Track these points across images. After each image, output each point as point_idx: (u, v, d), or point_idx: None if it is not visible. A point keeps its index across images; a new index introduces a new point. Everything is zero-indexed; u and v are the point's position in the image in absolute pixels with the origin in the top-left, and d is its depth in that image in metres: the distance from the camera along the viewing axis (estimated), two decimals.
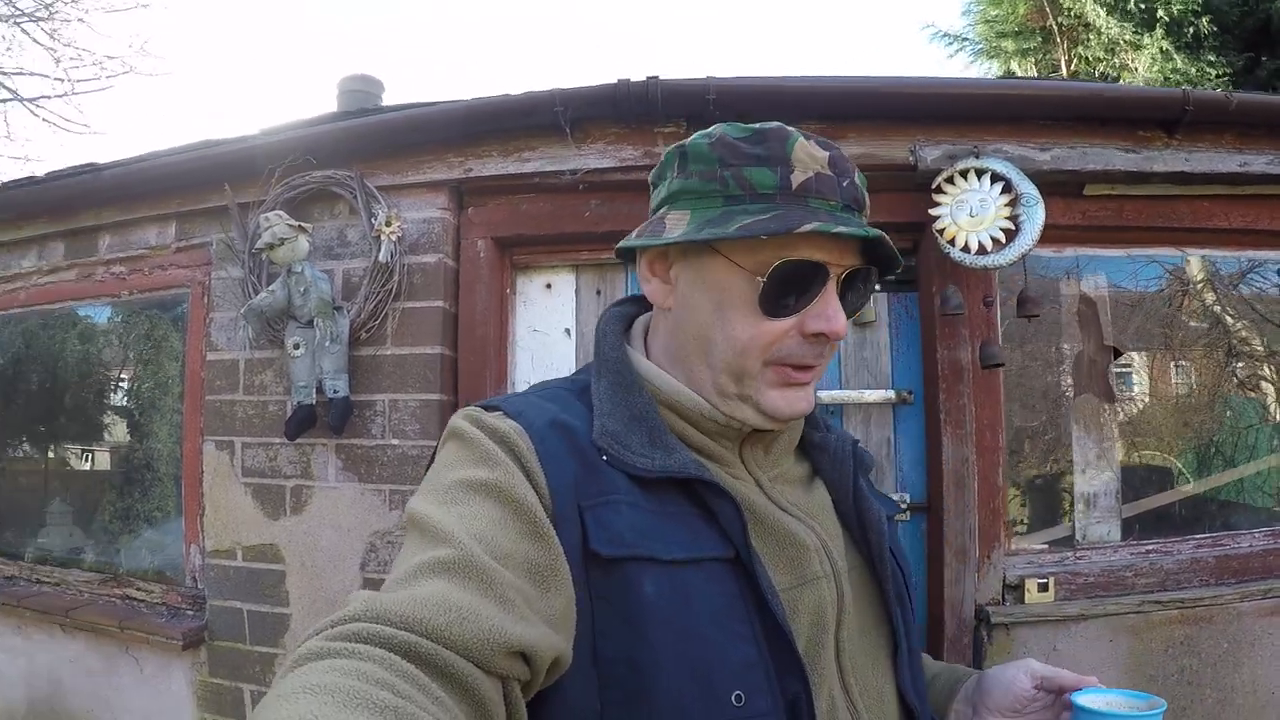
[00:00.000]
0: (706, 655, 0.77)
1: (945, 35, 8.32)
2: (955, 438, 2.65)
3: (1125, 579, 2.72)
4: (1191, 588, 2.73)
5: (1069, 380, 2.85)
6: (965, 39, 8.26)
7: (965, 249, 2.56)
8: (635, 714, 0.76)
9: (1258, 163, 2.82)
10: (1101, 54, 6.58)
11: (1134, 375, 3.07)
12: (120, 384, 3.37)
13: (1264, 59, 5.76)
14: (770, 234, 0.81)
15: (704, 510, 0.83)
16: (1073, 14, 6.79)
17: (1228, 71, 5.53)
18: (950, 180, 2.62)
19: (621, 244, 0.97)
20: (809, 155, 0.87)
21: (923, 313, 2.76)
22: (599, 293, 2.85)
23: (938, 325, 2.68)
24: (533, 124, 2.71)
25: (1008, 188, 2.60)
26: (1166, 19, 6.08)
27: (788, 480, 0.97)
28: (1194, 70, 6.09)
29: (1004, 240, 2.56)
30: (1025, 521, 2.87)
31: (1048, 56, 7.39)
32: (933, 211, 2.60)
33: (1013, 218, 2.57)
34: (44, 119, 11.70)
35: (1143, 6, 6.27)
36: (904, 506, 2.69)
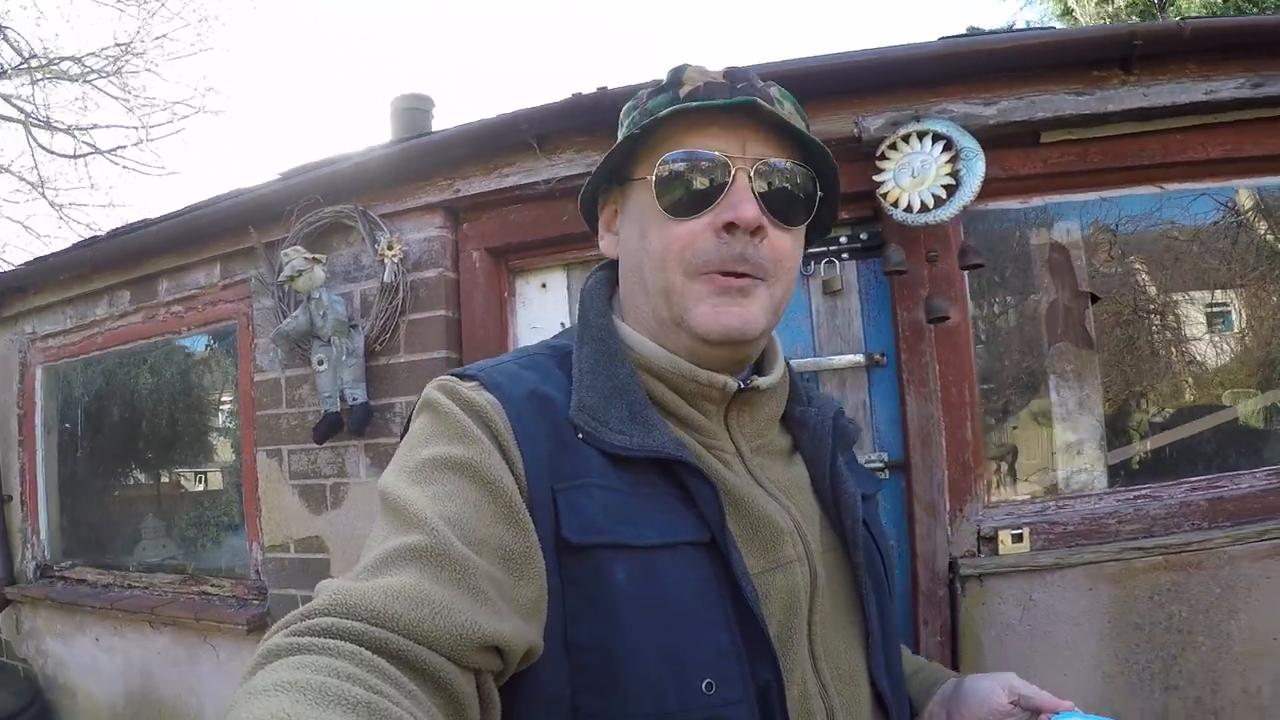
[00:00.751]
0: (678, 642, 0.77)
1: None
2: (919, 396, 2.77)
3: (1108, 526, 2.75)
4: (1180, 533, 2.77)
5: (1045, 328, 2.94)
6: None
7: (908, 209, 2.72)
8: (607, 700, 0.76)
9: (1226, 88, 2.79)
10: None
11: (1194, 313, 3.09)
12: (193, 408, 3.93)
13: None
14: (641, 127, 0.88)
15: (681, 491, 0.83)
16: None
17: None
18: (894, 146, 2.78)
19: (580, 205, 1.08)
20: (699, 73, 0.92)
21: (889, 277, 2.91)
22: None
23: (893, 287, 2.83)
24: (505, 144, 3.02)
25: (949, 145, 2.73)
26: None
27: (770, 452, 0.97)
28: None
29: (945, 196, 2.70)
30: (1006, 474, 2.96)
31: None
32: (876, 178, 2.75)
33: (954, 173, 2.71)
34: (124, 166, 12.88)
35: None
36: (883, 464, 2.85)
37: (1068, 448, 2.91)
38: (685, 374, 0.89)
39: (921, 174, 2.72)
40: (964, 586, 2.77)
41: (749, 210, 0.84)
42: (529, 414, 0.82)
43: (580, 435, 0.83)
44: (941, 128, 2.74)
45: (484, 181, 3.08)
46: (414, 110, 4.48)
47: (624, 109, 1.01)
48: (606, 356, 0.90)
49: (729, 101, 0.85)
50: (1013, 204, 2.92)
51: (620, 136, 0.95)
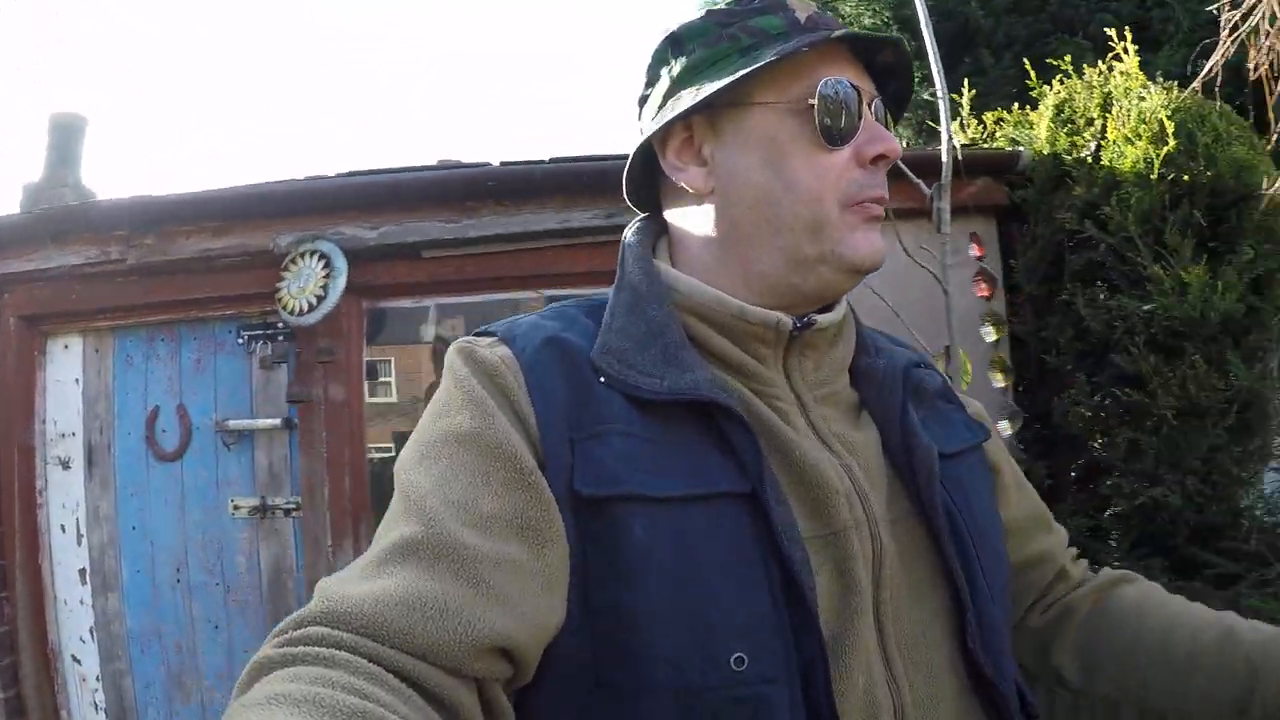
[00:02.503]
0: (705, 607, 0.71)
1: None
2: (307, 454, 3.60)
3: None
4: None
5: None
6: None
7: (293, 311, 3.57)
8: (629, 671, 0.71)
9: (580, 218, 3.59)
10: None
11: None
12: None
13: (965, 60, 6.14)
14: (812, 45, 0.81)
15: (721, 439, 0.77)
16: None
17: (925, 73, 5.82)
18: (294, 260, 3.63)
19: (643, 138, 0.91)
20: (800, 1, 0.88)
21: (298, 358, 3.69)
22: (96, 350, 4.02)
23: (296, 369, 3.64)
24: (30, 235, 3.93)
25: (328, 263, 3.58)
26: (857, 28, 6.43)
27: (838, 404, 0.89)
28: None
29: (316, 304, 3.55)
30: None
31: None
32: (278, 285, 3.57)
33: (325, 286, 3.56)
34: None
35: (842, 17, 6.65)
36: (296, 506, 3.72)
37: None
38: (734, 312, 0.83)
39: (305, 285, 3.57)
40: None
41: (895, 144, 0.84)
42: (544, 362, 0.79)
43: (602, 379, 0.79)
44: (324, 248, 3.58)
45: (17, 264, 3.98)
46: (67, 128, 4.60)
47: (685, 24, 0.90)
48: (643, 299, 0.85)
49: (888, 36, 0.86)
50: (406, 303, 3.77)
51: (687, 50, 0.88)
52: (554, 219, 3.59)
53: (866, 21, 6.41)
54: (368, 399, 4.15)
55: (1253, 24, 3.15)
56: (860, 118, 0.84)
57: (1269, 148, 3.26)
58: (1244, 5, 3.13)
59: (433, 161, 3.82)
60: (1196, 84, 3.30)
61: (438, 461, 0.74)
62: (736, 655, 0.70)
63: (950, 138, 3.11)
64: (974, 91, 4.20)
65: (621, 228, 3.26)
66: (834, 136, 0.83)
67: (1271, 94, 3.20)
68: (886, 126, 0.88)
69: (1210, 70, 3.24)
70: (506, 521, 0.71)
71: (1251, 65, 3.22)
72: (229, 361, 3.82)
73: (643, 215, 1.00)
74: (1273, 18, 3.17)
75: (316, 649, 0.60)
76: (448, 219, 3.60)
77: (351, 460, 3.64)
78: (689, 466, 0.76)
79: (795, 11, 0.86)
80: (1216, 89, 3.42)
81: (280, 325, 3.74)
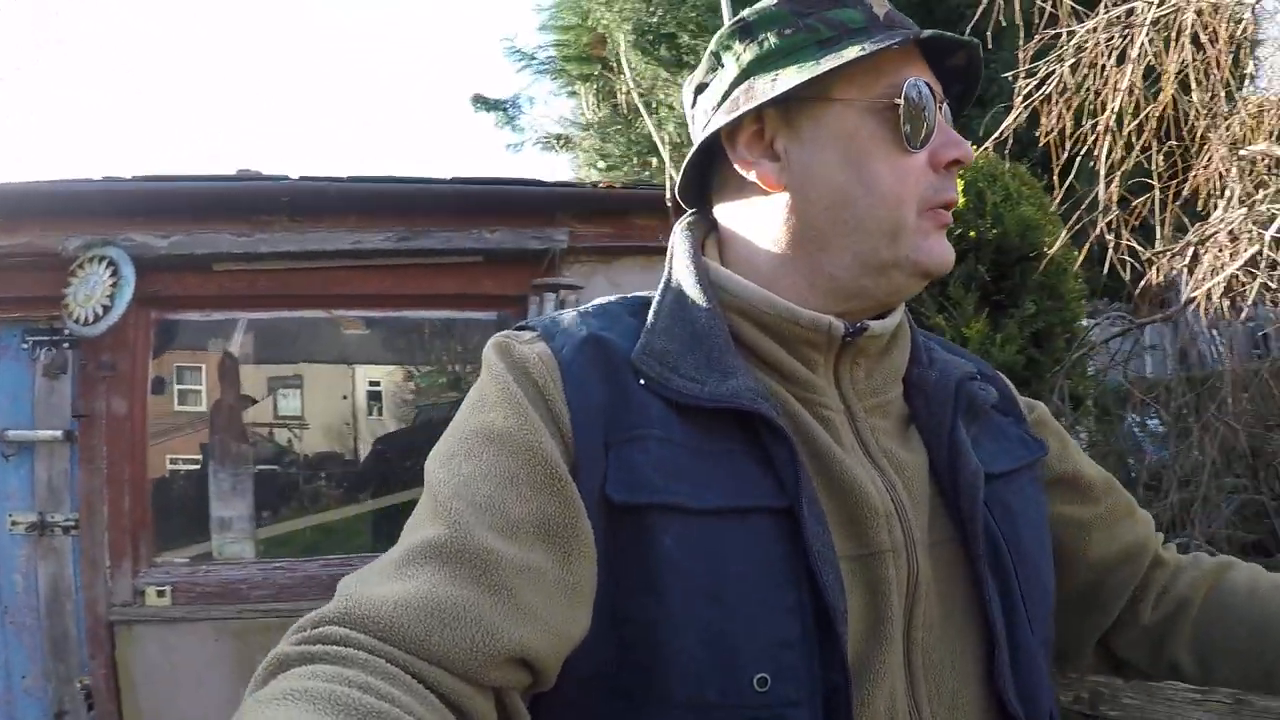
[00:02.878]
0: (732, 625, 0.70)
1: (517, 51, 8.99)
2: (88, 470, 3.52)
3: (240, 590, 3.58)
4: (306, 600, 3.56)
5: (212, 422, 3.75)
6: (534, 58, 8.96)
7: (79, 320, 3.50)
8: (648, 681, 0.71)
9: (375, 240, 3.57)
10: (647, 87, 7.21)
11: None
12: None
13: None
14: (901, 44, 0.80)
15: (762, 451, 0.76)
16: (617, 53, 7.44)
17: None
18: (82, 265, 3.56)
19: (714, 127, 0.86)
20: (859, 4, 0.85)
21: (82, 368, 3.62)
22: None
23: (80, 381, 3.57)
24: None
25: (115, 271, 3.52)
26: (693, 64, 6.63)
27: (887, 415, 0.87)
28: None
29: (102, 314, 3.49)
30: (172, 539, 3.77)
31: (608, 84, 7.98)
32: (64, 291, 3.50)
33: (111, 295, 3.50)
34: None
35: (672, 53, 6.85)
36: (74, 524, 3.65)
37: (221, 523, 3.73)
38: (784, 314, 0.81)
39: (91, 293, 3.50)
40: (115, 628, 3.56)
41: (969, 149, 0.83)
42: (583, 360, 0.78)
43: (642, 381, 0.77)
44: (113, 255, 3.51)
45: None
46: None
47: (759, 10, 0.88)
48: (689, 299, 0.83)
49: (968, 39, 0.85)
50: (196, 316, 3.72)
51: (760, 39, 0.85)
52: (347, 239, 3.57)
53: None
54: (176, 406, 4.12)
55: (1045, 92, 3.27)
56: (934, 123, 0.83)
57: (1055, 209, 3.37)
58: (1038, 74, 3.25)
59: (232, 172, 3.78)
60: (989, 145, 3.42)
61: (468, 459, 0.73)
62: (760, 676, 0.70)
63: None
64: None
65: (417, 251, 3.26)
66: (915, 139, 0.82)
67: (1057, 159, 3.32)
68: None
69: (1001, 133, 3.35)
70: (534, 527, 0.69)
71: (1041, 132, 3.33)
72: (11, 367, 3.68)
73: (691, 211, 0.95)
74: (1063, 89, 3.28)
75: (335, 648, 0.59)
76: (239, 232, 3.56)
77: (133, 477, 3.58)
78: (726, 477, 0.75)
79: (873, 6, 0.85)
80: (1008, 150, 3.54)
81: (66, 333, 3.65)
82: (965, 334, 3.38)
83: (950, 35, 0.83)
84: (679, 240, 0.90)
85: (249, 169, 3.78)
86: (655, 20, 6.93)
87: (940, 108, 0.83)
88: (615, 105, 8.11)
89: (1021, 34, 3.47)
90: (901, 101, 0.80)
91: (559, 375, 0.76)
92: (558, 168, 9.03)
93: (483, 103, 9.15)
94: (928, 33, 0.82)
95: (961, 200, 3.49)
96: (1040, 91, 3.36)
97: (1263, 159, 3.49)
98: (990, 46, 6.12)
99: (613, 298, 0.90)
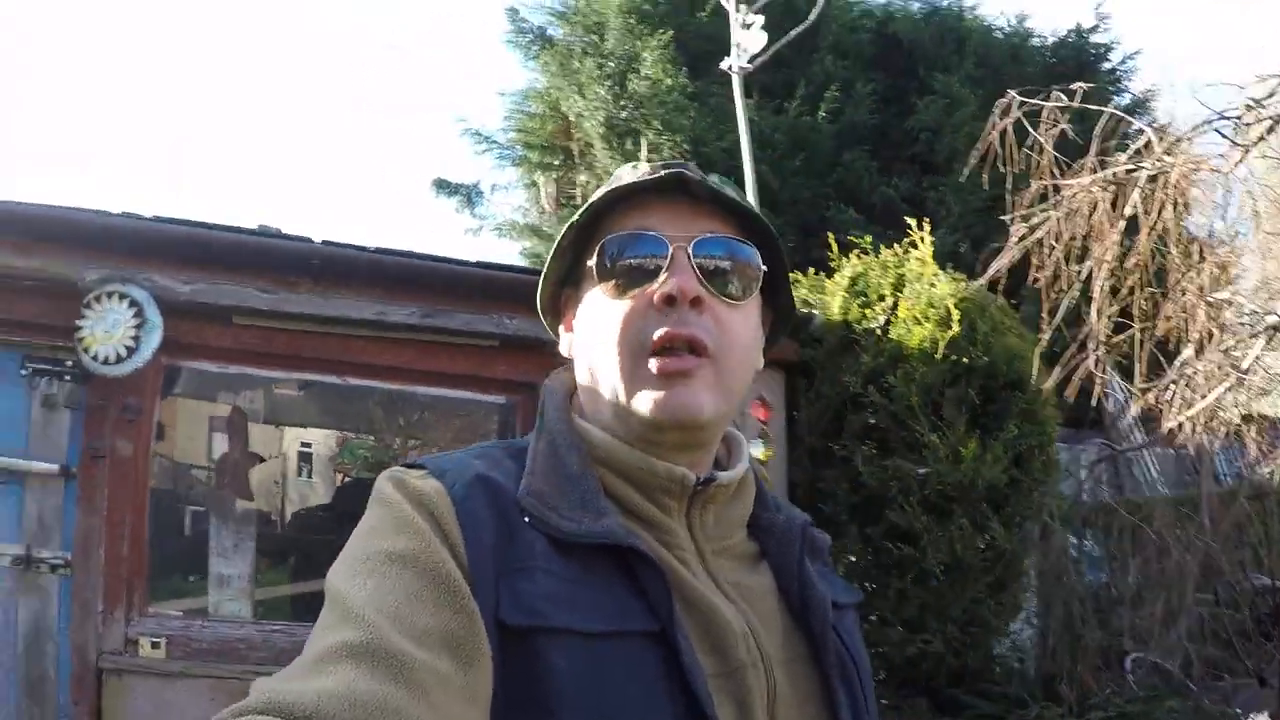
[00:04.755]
0: None
1: (478, 134, 9.12)
2: (86, 509, 3.48)
3: (238, 650, 3.59)
4: None
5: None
6: (495, 142, 9.15)
7: (99, 359, 3.44)
8: None
9: (398, 313, 3.62)
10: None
11: None
12: None
13: None
14: (582, 215, 0.92)
15: (633, 581, 0.83)
16: (583, 141, 7.75)
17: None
18: (99, 299, 3.56)
19: (540, 308, 1.03)
20: (633, 166, 0.95)
21: (88, 404, 3.61)
22: None
23: (86, 418, 3.54)
24: None
25: (140, 312, 3.57)
26: (655, 159, 7.02)
27: (734, 556, 0.96)
28: None
29: (126, 355, 3.54)
30: (165, 589, 3.81)
31: (569, 174, 8.33)
32: (79, 323, 3.44)
33: (136, 337, 3.54)
34: None
35: (637, 149, 7.20)
36: (64, 562, 3.67)
37: (220, 580, 3.80)
38: (641, 465, 0.89)
39: (112, 331, 3.54)
40: (104, 677, 3.50)
41: (686, 281, 0.87)
42: (474, 497, 0.84)
43: (527, 519, 0.84)
44: (137, 295, 3.52)
45: None
46: None
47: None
48: (561, 449, 0.91)
49: (652, 178, 0.91)
50: (211, 367, 3.78)
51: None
52: (370, 309, 3.64)
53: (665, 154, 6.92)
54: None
55: (1037, 237, 3.61)
56: (662, 264, 0.88)
57: (1040, 347, 3.71)
58: (1032, 221, 3.59)
59: (252, 225, 3.84)
60: (984, 279, 3.75)
61: (371, 577, 0.76)
62: None
63: None
64: None
65: (439, 329, 3.37)
66: (618, 288, 0.89)
67: (1048, 299, 3.67)
68: (736, 260, 0.92)
69: (996, 271, 3.69)
70: (439, 638, 0.73)
71: (1033, 278, 3.68)
72: (7, 392, 3.61)
73: (566, 366, 1.03)
74: (1057, 235, 3.64)
75: None
76: (264, 288, 3.62)
77: (133, 522, 3.57)
78: (606, 605, 0.80)
79: (620, 181, 0.94)
80: (1000, 285, 3.90)
81: (70, 364, 3.64)
82: (961, 453, 3.70)
83: (637, 183, 0.91)
84: (549, 394, 0.98)
85: (267, 225, 3.86)
86: (625, 115, 7.17)
87: (679, 250, 0.89)
88: (572, 198, 8.36)
89: (1010, 180, 3.84)
90: (594, 259, 0.91)
91: (452, 510, 0.81)
92: (512, 256, 9.25)
93: (444, 187, 9.28)
94: (602, 192, 0.93)
95: (955, 328, 3.82)
96: (1032, 236, 3.71)
97: (1227, 305, 3.90)
98: (939, 173, 6.55)
99: (489, 442, 1.02)
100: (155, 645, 3.56)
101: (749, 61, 3.58)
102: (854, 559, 3.92)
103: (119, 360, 3.45)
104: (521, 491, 0.86)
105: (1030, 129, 3.78)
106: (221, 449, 3.81)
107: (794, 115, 6.69)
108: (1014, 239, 3.65)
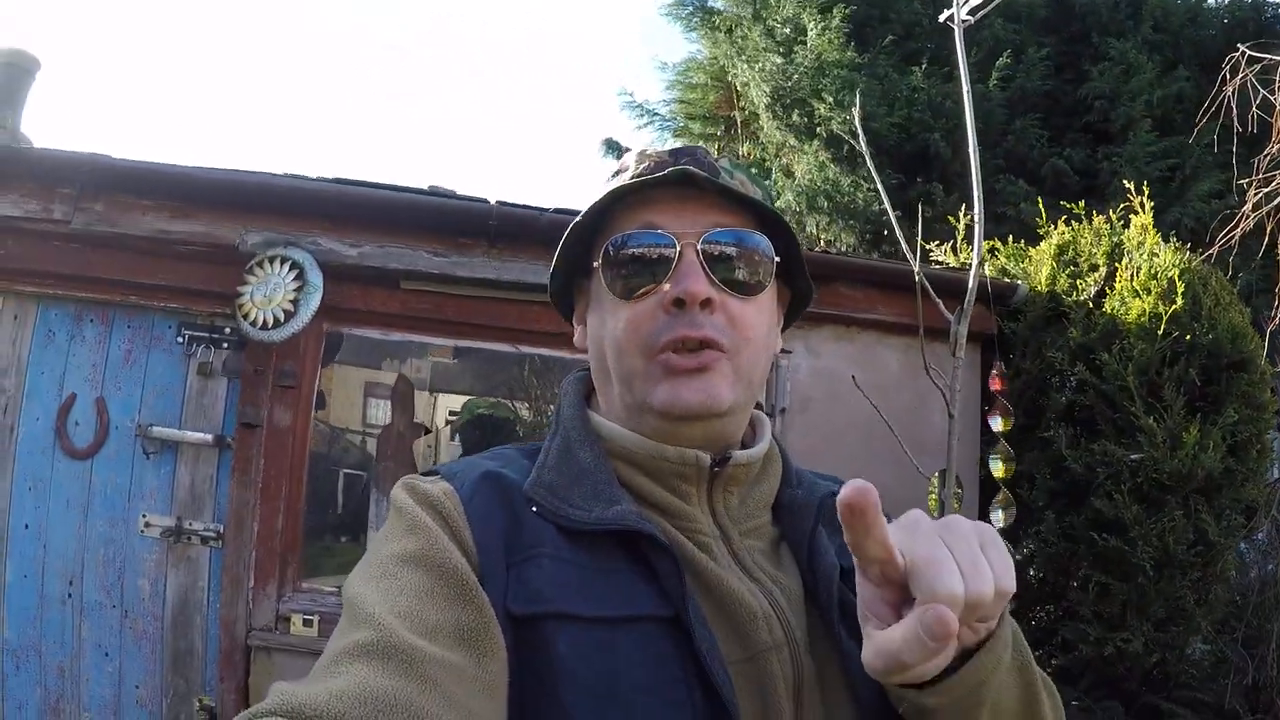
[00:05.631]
0: None
1: (639, 106, 9.14)
2: (240, 482, 3.32)
3: None
4: None
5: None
6: (656, 114, 9.13)
7: (256, 323, 3.34)
8: None
9: None
10: (772, 153, 7.34)
11: None
12: None
13: (919, 180, 6.42)
14: (585, 214, 0.91)
15: (646, 567, 0.82)
16: (748, 111, 7.50)
17: (877, 190, 6.13)
18: (260, 264, 3.42)
19: (551, 300, 1.05)
20: (640, 154, 0.95)
21: (244, 372, 3.44)
22: (15, 316, 3.63)
23: (243, 386, 3.39)
24: None
25: (300, 275, 3.38)
26: (824, 134, 6.72)
27: (761, 537, 0.94)
28: (847, 182, 6.70)
29: (283, 320, 3.36)
30: (310, 563, 3.61)
31: (731, 145, 8.06)
32: (240, 288, 3.32)
33: (295, 301, 3.36)
34: None
35: (804, 120, 6.90)
36: (216, 534, 3.50)
37: None
38: (653, 452, 0.89)
39: (271, 295, 3.36)
40: (253, 655, 3.40)
41: (695, 284, 0.86)
42: (483, 493, 0.85)
43: (534, 509, 0.85)
44: (298, 257, 3.37)
45: None
46: (14, 67, 4.06)
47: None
48: (575, 444, 0.92)
49: (659, 175, 0.89)
50: (375, 333, 3.57)
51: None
52: (548, 274, 3.45)
53: (833, 127, 6.62)
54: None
55: (1276, 203, 3.29)
56: (671, 262, 0.88)
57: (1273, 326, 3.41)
58: (1270, 185, 3.27)
59: (423, 185, 3.64)
60: (1214, 249, 3.44)
61: (384, 579, 0.77)
62: None
63: (981, 263, 3.13)
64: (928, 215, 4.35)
65: None
66: (628, 289, 0.89)
67: None
68: (747, 253, 0.91)
69: (1230, 237, 3.37)
70: (450, 632, 0.74)
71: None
72: (163, 360, 3.50)
73: (585, 366, 1.04)
74: None
75: None
76: (435, 251, 3.43)
77: (288, 494, 3.42)
78: (615, 591, 0.80)
79: (626, 171, 0.94)
80: (1211, 257, 3.58)
81: (228, 331, 3.49)
82: (1183, 438, 3.39)
83: (642, 180, 0.89)
84: (564, 393, 1.00)
85: (439, 185, 3.66)
86: (790, 85, 6.93)
87: (687, 248, 0.88)
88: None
89: (1235, 140, 3.53)
90: (600, 264, 0.91)
91: (461, 508, 0.83)
92: None
93: (613, 148, 9.17)
94: (607, 192, 0.91)
95: (1179, 303, 3.50)
96: (1271, 203, 3.39)
97: None
98: (1114, 143, 6.18)
99: (508, 446, 1.00)
100: (308, 623, 3.39)
101: (970, 13, 3.28)
102: (1049, 547, 3.63)
103: (276, 325, 3.29)
104: (529, 484, 0.87)
105: (1260, 87, 3.44)
106: (380, 416, 3.61)
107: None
108: (1249, 205, 3.32)
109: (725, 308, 0.89)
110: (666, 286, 0.87)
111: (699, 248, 0.89)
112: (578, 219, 0.94)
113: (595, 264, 0.92)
